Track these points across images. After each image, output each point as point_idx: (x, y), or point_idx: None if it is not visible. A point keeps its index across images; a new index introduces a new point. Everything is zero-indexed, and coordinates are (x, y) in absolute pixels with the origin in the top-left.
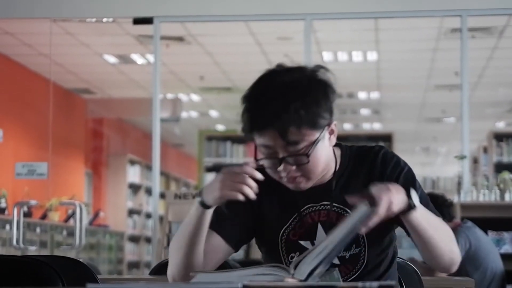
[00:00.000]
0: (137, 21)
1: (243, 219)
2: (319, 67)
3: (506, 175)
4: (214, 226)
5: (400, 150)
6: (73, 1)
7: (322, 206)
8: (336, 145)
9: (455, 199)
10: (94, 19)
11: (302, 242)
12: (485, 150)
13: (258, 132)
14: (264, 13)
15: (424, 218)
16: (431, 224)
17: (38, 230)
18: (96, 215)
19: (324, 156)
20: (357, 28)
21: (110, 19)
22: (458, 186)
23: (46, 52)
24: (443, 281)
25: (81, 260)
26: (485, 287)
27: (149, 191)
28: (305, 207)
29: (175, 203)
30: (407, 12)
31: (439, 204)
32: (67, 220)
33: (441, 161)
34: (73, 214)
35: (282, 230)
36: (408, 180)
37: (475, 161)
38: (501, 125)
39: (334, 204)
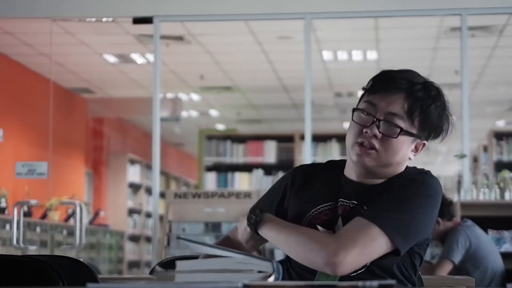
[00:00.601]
0: (137, 20)
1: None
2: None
3: (506, 174)
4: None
5: None
6: (73, 1)
7: (352, 204)
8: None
9: (455, 198)
10: (94, 19)
11: (319, 227)
12: (485, 149)
13: (383, 89)
14: (264, 12)
15: (272, 234)
16: (280, 236)
17: (38, 229)
18: (96, 214)
19: (402, 153)
20: (357, 27)
21: (110, 19)
22: (458, 185)
23: (46, 52)
24: (443, 280)
25: (81, 259)
26: (485, 286)
27: (149, 191)
28: (340, 199)
29: (175, 203)
30: (407, 11)
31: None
32: (67, 219)
33: (441, 160)
34: (73, 213)
35: (311, 212)
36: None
37: (475, 160)
38: (501, 124)
39: (362, 205)
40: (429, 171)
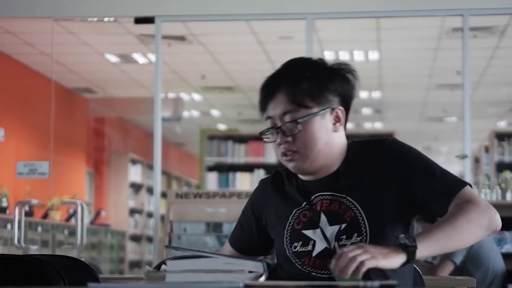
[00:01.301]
0: (139, 20)
1: (248, 228)
2: (345, 64)
3: (507, 174)
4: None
5: None
6: (75, 1)
7: (326, 196)
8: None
9: None
10: (95, 19)
11: (304, 231)
12: (487, 149)
13: (267, 99)
14: (266, 12)
15: (433, 246)
16: (441, 242)
17: (39, 229)
18: (97, 214)
19: (322, 135)
20: (359, 28)
21: (112, 19)
22: None
23: (47, 51)
24: (445, 280)
25: (82, 259)
26: (486, 287)
27: (150, 190)
28: (313, 196)
29: (176, 202)
30: (409, 12)
31: None
32: (68, 219)
33: (443, 160)
34: (74, 213)
35: (288, 221)
36: (406, 168)
37: (477, 160)
38: (502, 125)
39: (336, 194)
40: (387, 138)
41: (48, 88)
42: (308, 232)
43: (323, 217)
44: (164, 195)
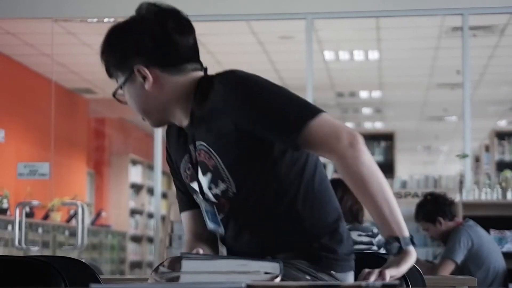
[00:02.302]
0: None
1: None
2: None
3: (508, 173)
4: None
5: (402, 148)
6: (75, 1)
7: (198, 146)
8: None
9: (457, 197)
10: (95, 19)
11: (192, 185)
12: (487, 148)
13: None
14: (266, 12)
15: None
16: (387, 205)
17: (40, 230)
18: (98, 215)
19: (139, 96)
20: (359, 27)
21: (112, 19)
22: (460, 185)
23: (48, 52)
24: (446, 280)
25: (83, 260)
26: (487, 286)
27: (151, 191)
28: (190, 146)
29: (177, 203)
30: (409, 11)
31: (440, 203)
32: (69, 220)
33: (443, 159)
34: (75, 214)
35: (183, 177)
36: (245, 104)
37: (477, 159)
38: (503, 124)
39: (200, 142)
40: (232, 70)
41: (49, 89)
42: (194, 185)
43: (199, 170)
44: (164, 195)
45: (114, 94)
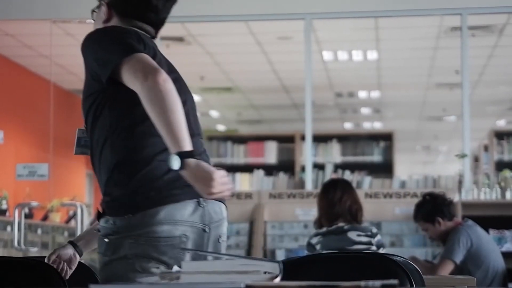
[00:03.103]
0: None
1: None
2: None
3: (507, 173)
4: None
5: (401, 148)
6: (73, 3)
7: None
8: None
9: (456, 197)
10: (94, 20)
11: None
12: (486, 148)
13: None
14: (264, 13)
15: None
16: (174, 126)
17: (39, 231)
18: None
19: (98, 21)
20: (357, 27)
21: None
22: (459, 185)
23: (46, 53)
24: (445, 279)
25: (82, 261)
26: (486, 286)
27: None
28: None
29: None
30: (407, 11)
31: (439, 204)
32: (68, 221)
33: (442, 159)
34: (74, 215)
35: None
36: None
37: (476, 159)
38: (501, 123)
39: None
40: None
41: (47, 90)
42: None
43: None
44: None
45: (92, 11)
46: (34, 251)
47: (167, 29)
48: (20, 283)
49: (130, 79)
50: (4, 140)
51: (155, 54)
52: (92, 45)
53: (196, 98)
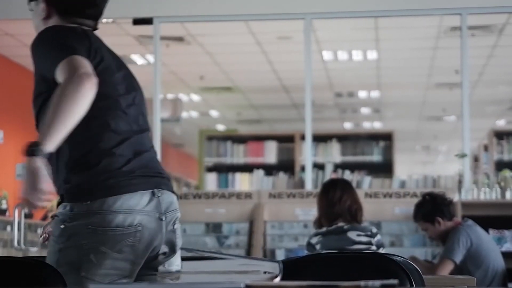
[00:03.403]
0: (137, 21)
1: None
2: None
3: (506, 173)
4: None
5: (401, 148)
6: None
7: None
8: None
9: (456, 197)
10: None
11: None
12: (486, 148)
13: None
14: (264, 13)
15: (56, 136)
16: (59, 127)
17: (39, 231)
18: None
19: (35, 19)
20: (357, 27)
21: (110, 20)
22: (459, 185)
23: None
24: (445, 279)
25: None
26: (486, 285)
27: None
28: None
29: None
30: (407, 11)
31: (438, 203)
32: None
33: (442, 159)
34: None
35: None
36: None
37: (476, 159)
38: (501, 123)
39: None
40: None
41: None
42: None
43: None
44: None
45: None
46: (34, 251)
47: (167, 29)
48: (20, 283)
49: (60, 78)
50: (4, 140)
51: (100, 50)
52: (40, 46)
53: (196, 97)
